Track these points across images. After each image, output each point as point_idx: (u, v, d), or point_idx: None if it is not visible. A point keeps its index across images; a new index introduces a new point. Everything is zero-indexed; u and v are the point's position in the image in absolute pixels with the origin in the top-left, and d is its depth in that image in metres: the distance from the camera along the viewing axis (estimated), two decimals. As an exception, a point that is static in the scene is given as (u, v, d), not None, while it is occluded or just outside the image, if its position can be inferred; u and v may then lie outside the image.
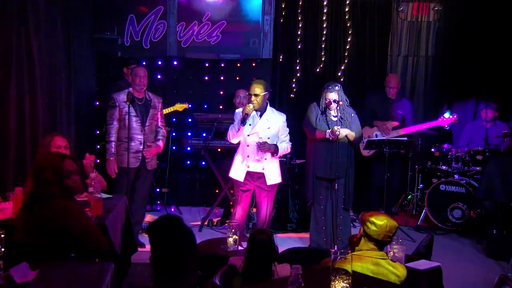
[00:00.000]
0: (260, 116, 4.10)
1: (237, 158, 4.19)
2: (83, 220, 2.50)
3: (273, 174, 4.15)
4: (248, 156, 4.09)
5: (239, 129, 4.01)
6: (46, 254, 2.35)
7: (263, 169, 4.10)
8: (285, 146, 4.17)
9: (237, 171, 4.16)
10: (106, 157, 4.38)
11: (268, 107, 4.18)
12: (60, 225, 2.38)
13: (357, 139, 4.39)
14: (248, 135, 4.08)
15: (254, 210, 4.92)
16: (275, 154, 4.13)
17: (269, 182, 4.12)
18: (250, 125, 4.06)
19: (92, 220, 2.72)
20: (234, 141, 4.17)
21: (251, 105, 3.99)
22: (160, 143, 4.57)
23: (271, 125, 4.10)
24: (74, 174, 2.54)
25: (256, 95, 4.02)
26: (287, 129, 4.24)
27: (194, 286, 1.78)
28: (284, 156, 5.51)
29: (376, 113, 5.62)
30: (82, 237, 2.45)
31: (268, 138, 4.08)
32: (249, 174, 4.12)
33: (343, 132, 4.19)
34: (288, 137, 4.24)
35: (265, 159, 4.10)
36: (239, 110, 4.16)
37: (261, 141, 4.02)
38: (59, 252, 2.39)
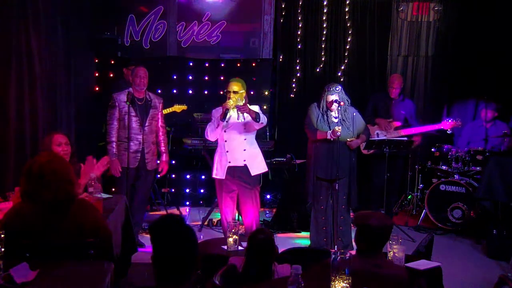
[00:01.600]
0: (243, 115, 4.10)
1: (217, 157, 4.22)
2: (97, 215, 2.53)
3: (256, 164, 4.16)
4: (227, 152, 4.12)
5: (218, 125, 4.04)
6: (48, 255, 2.34)
7: (245, 161, 4.12)
8: (262, 116, 4.06)
9: (219, 169, 4.17)
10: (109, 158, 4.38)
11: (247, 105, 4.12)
12: (81, 223, 2.38)
13: (368, 136, 4.52)
14: (225, 131, 4.11)
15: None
16: (257, 120, 4.01)
17: (254, 172, 4.12)
18: (227, 121, 4.09)
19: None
20: (212, 138, 4.17)
21: (231, 101, 4.01)
22: (164, 157, 4.62)
23: (246, 116, 4.09)
24: (76, 174, 2.54)
25: (235, 92, 4.06)
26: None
27: (194, 286, 1.78)
28: (284, 155, 5.54)
29: (379, 113, 5.62)
30: (98, 232, 2.45)
31: (245, 128, 4.11)
32: (231, 171, 4.12)
33: (354, 144, 4.29)
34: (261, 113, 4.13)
35: (244, 149, 4.11)
36: (217, 109, 4.19)
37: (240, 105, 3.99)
38: (80, 251, 2.38)
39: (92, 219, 2.45)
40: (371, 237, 2.33)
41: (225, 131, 4.12)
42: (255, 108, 4.15)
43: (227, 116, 4.03)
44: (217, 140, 4.25)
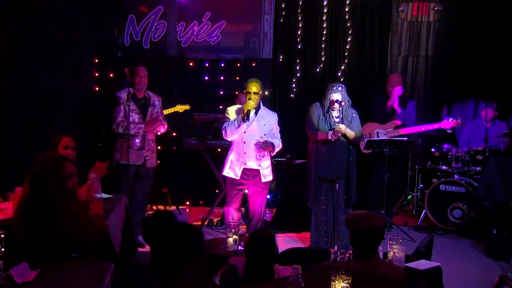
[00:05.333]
0: (256, 114, 4.17)
1: (232, 156, 4.23)
2: (84, 221, 2.50)
3: (267, 171, 4.24)
4: (245, 153, 4.14)
5: (239, 126, 4.07)
6: (48, 255, 2.35)
7: (260, 166, 4.16)
8: (277, 143, 4.26)
9: (233, 169, 4.20)
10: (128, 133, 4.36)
11: (261, 105, 4.27)
12: (62, 227, 2.38)
13: (356, 139, 4.39)
14: (245, 132, 4.14)
15: (242, 209, 4.96)
16: (271, 152, 4.21)
17: (264, 179, 4.19)
18: (248, 122, 4.12)
19: (97, 217, 2.70)
20: (231, 138, 4.20)
21: (252, 102, 4.07)
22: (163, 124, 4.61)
23: (266, 122, 4.21)
24: (73, 176, 2.53)
25: (255, 93, 4.11)
26: (278, 127, 4.35)
27: (195, 286, 1.77)
28: (284, 155, 5.54)
29: (377, 114, 5.60)
30: (85, 237, 2.45)
31: (265, 134, 4.18)
32: (245, 172, 4.17)
33: (342, 127, 4.19)
34: (279, 134, 4.34)
35: (264, 156, 4.17)
36: (232, 108, 4.24)
37: (261, 140, 4.09)
38: (61, 253, 2.39)
39: (79, 223, 2.44)
40: (364, 240, 2.33)
41: (245, 133, 4.15)
42: (274, 116, 4.31)
43: (250, 117, 4.09)
44: (228, 141, 4.30)
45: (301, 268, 1.93)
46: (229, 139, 4.23)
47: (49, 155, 2.65)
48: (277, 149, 4.27)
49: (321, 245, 4.36)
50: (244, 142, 4.16)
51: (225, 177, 4.34)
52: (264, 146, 4.10)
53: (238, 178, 4.16)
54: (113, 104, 4.47)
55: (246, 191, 4.37)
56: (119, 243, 3.22)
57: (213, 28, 6.53)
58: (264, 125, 4.18)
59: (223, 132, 4.19)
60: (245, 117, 4.04)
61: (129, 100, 4.27)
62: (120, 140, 4.46)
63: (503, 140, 5.48)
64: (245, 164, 4.15)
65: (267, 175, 4.22)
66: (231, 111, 4.22)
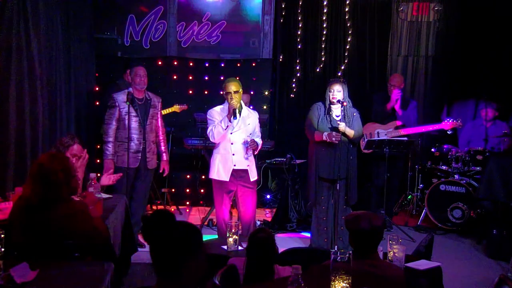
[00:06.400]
0: (239, 113, 4.15)
1: (218, 158, 4.17)
2: (88, 220, 2.51)
3: (254, 171, 4.24)
4: (233, 154, 4.11)
5: (227, 127, 4.03)
6: (50, 254, 2.35)
7: (248, 165, 4.15)
8: (260, 142, 4.26)
9: (221, 171, 4.14)
10: (103, 158, 4.37)
11: (243, 105, 4.23)
12: (67, 226, 2.38)
13: (356, 138, 4.38)
14: (231, 133, 4.11)
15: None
16: (255, 151, 4.22)
17: (252, 179, 4.18)
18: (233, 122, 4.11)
19: (96, 217, 2.70)
20: (218, 140, 4.13)
21: (235, 101, 4.04)
22: (165, 157, 4.65)
23: (250, 122, 4.19)
24: (75, 173, 2.55)
25: (235, 91, 4.07)
26: (259, 125, 4.35)
27: (195, 285, 1.76)
28: (284, 155, 5.54)
29: (378, 115, 5.60)
30: (87, 237, 2.46)
31: (250, 134, 4.16)
32: (233, 174, 4.13)
33: (342, 126, 4.19)
34: (260, 134, 4.34)
35: (251, 155, 4.18)
36: (215, 109, 4.19)
37: (248, 140, 4.08)
38: (64, 252, 2.39)
39: (83, 222, 2.45)
40: (364, 240, 2.33)
41: (231, 133, 4.12)
42: (256, 115, 4.27)
43: (236, 116, 4.07)
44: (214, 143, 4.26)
45: (301, 268, 1.93)
46: (216, 141, 4.15)
47: (53, 153, 2.65)
48: (259, 148, 4.26)
49: (321, 245, 4.36)
50: (232, 143, 4.13)
51: (212, 180, 4.26)
52: (252, 145, 4.08)
53: (228, 180, 4.12)
54: (110, 105, 4.44)
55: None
56: (119, 243, 3.22)
57: (213, 28, 6.54)
58: (248, 124, 4.16)
59: (210, 135, 4.12)
60: (232, 117, 4.01)
61: (128, 101, 4.25)
62: (117, 143, 4.43)
63: (503, 140, 5.48)
64: (234, 165, 4.10)
65: (254, 174, 4.22)
66: (216, 113, 4.15)
